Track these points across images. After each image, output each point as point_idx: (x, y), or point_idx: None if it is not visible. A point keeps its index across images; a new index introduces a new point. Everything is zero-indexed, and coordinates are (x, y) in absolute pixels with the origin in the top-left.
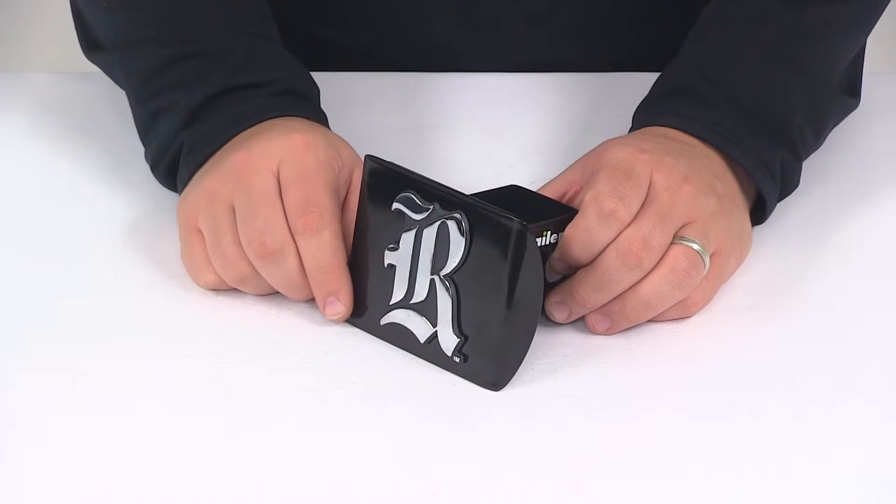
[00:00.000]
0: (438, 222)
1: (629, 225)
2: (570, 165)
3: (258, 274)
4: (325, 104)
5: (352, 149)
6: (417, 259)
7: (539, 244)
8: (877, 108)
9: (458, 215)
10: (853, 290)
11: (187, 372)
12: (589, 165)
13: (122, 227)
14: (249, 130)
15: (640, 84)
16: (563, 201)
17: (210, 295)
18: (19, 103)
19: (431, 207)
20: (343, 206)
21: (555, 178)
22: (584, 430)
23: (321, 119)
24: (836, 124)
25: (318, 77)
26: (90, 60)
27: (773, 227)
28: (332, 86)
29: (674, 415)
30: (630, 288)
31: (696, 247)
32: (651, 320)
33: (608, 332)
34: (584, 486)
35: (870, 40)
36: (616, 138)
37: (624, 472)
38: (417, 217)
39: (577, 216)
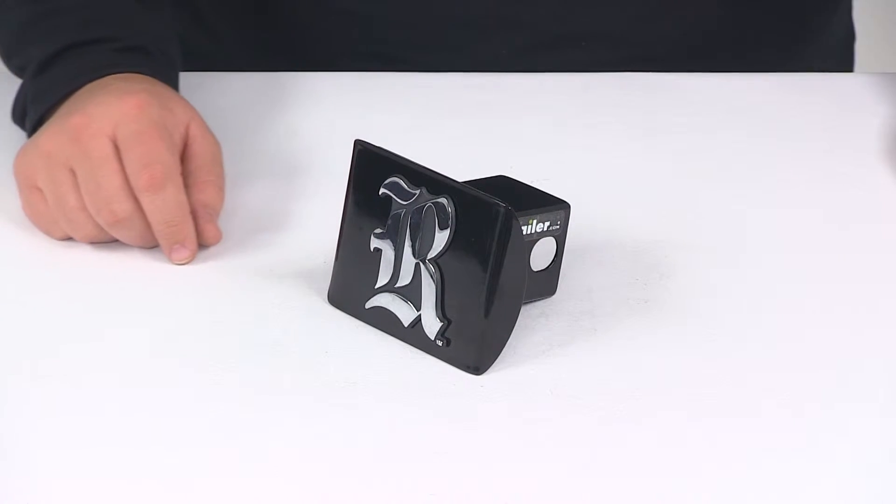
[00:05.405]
0: (425, 206)
1: None
2: None
3: (106, 232)
4: (325, 104)
5: (185, 104)
6: (403, 243)
7: (525, 232)
8: (873, 108)
9: (444, 199)
10: (851, 291)
11: (186, 372)
12: None
13: None
14: (89, 87)
15: (640, 84)
16: None
17: (210, 296)
18: None
19: (418, 192)
20: (182, 159)
21: None
22: (585, 430)
23: (165, 76)
24: None
25: (320, 77)
26: None
27: (773, 229)
28: (331, 85)
29: (673, 415)
30: None
31: None
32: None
33: None
34: (585, 485)
35: (867, 39)
36: None
37: (623, 472)
38: (404, 202)
39: None
